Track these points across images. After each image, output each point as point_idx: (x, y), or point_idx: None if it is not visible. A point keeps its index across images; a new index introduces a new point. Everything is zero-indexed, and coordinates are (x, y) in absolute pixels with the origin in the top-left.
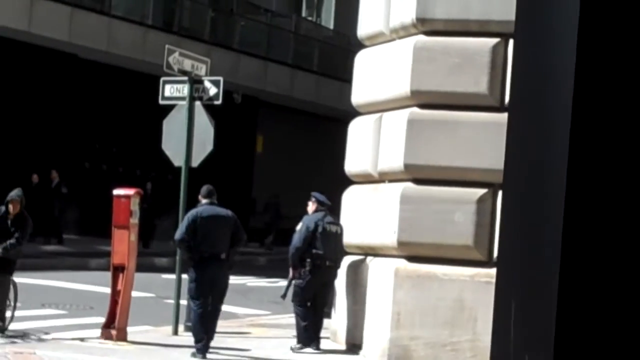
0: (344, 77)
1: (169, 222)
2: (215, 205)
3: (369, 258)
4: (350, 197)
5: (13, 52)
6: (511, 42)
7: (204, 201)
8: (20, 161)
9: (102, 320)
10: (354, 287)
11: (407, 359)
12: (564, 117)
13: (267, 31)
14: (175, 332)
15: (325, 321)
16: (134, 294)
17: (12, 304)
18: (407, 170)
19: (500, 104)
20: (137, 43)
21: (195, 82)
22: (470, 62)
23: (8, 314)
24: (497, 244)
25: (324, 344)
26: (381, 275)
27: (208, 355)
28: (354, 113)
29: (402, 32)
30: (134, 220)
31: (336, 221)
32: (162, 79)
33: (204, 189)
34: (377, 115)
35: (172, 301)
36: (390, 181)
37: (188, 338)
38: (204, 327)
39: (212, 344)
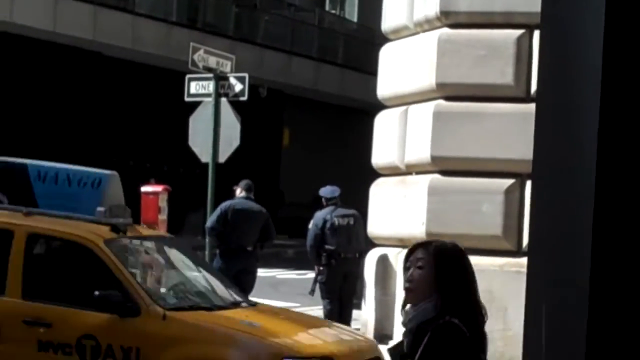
0: (369, 69)
1: (197, 217)
2: (251, 200)
3: (397, 249)
4: (378, 190)
5: (39, 52)
6: (536, 33)
7: (240, 194)
8: (48, 159)
9: None
10: (384, 278)
11: None
12: (592, 106)
13: (291, 25)
14: None
15: (356, 312)
16: None
17: None
18: (434, 162)
19: (526, 94)
20: (161, 40)
21: (220, 78)
22: (496, 53)
23: None
24: (528, 234)
25: None
26: None
27: None
28: (378, 105)
29: (426, 25)
30: (163, 217)
31: (348, 212)
32: (188, 76)
33: (244, 182)
34: (403, 108)
35: None
36: (418, 173)
37: None
38: None
39: None
